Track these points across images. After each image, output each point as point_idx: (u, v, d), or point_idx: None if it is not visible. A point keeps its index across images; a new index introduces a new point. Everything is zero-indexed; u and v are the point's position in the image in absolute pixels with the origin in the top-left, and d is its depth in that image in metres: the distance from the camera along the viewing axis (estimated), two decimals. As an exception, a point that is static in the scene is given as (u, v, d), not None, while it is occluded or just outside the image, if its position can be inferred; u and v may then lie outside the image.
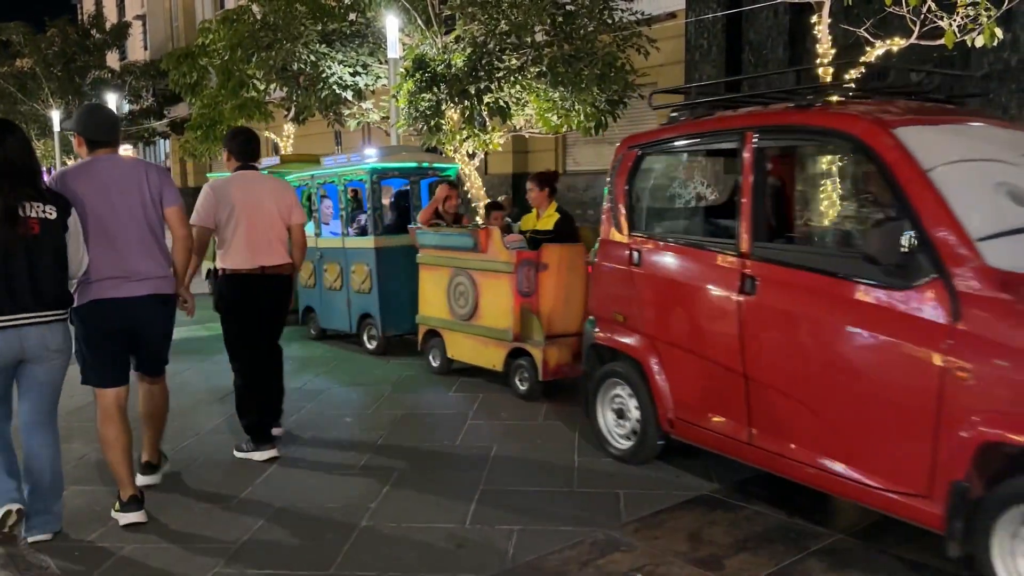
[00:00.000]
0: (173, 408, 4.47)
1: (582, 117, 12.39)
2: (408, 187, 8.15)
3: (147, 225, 3.88)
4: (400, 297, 7.35)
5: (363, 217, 7.82)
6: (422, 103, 11.64)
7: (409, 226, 7.34)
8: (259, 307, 4.75)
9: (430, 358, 6.87)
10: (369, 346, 7.71)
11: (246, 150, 4.87)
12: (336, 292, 8.03)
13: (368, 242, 7.56)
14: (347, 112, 14.30)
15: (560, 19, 12.07)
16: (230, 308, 4.76)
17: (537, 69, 11.78)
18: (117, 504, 3.90)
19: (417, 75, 11.59)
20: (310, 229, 7.77)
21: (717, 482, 4.17)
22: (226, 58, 15.48)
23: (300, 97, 13.84)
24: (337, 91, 13.51)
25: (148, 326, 3.95)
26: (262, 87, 15.10)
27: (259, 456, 4.72)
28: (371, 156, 8.01)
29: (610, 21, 12.40)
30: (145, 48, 37.34)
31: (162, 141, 31.64)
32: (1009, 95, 11.91)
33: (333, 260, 7.98)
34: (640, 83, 13.56)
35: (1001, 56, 11.67)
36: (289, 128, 17.53)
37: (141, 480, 4.21)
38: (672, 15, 16.52)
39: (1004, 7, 7.95)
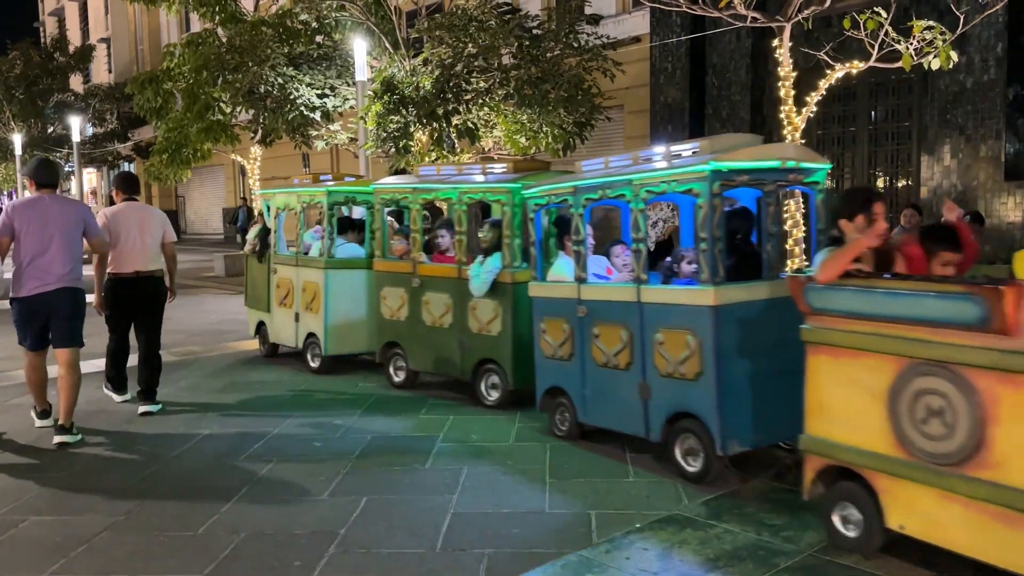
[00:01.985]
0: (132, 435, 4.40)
1: (550, 139, 12.52)
2: (762, 200, 4.93)
3: (69, 244, 5.45)
4: (762, 390, 4.46)
5: (687, 255, 4.96)
6: (391, 125, 11.69)
7: (787, 273, 4.65)
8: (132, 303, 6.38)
9: (839, 526, 3.62)
10: (689, 468, 4.57)
11: (130, 187, 6.65)
12: (619, 372, 4.92)
13: (699, 295, 4.46)
14: (314, 134, 14.29)
15: (527, 42, 12.21)
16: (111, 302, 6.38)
17: (505, 91, 11.89)
18: (33, 412, 5.91)
19: (385, 97, 11.64)
20: (567, 272, 5.39)
21: (688, 501, 4.19)
22: (191, 81, 15.39)
23: (267, 119, 13.80)
24: (305, 113, 13.51)
25: (59, 309, 5.44)
26: (228, 110, 15.02)
27: (117, 398, 6.61)
28: (695, 151, 4.69)
29: (576, 44, 12.57)
30: (109, 71, 37.01)
31: (127, 164, 31.28)
32: (965, 116, 12.24)
33: (615, 321, 4.93)
34: (607, 105, 13.75)
35: (957, 79, 12.00)
36: (256, 151, 17.43)
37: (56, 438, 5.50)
38: (637, 39, 16.76)
39: (958, 31, 8.19)
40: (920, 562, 3.39)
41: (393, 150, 12.18)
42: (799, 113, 9.18)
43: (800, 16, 8.79)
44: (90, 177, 37.21)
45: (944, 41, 8.02)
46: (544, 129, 12.34)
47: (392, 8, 12.97)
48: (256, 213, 11.67)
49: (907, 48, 8.06)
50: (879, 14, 8.02)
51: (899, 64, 8.14)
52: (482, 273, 5.97)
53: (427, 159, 12.62)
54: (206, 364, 8.23)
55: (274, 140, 14.55)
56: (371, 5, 13.45)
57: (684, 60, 15.79)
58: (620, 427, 5.02)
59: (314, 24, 13.91)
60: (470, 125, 12.04)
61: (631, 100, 17.30)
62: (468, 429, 5.67)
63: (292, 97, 13.22)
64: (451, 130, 11.95)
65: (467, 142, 12.67)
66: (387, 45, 13.12)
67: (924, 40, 8.07)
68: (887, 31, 8.13)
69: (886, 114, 13.77)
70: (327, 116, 13.77)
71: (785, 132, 9.28)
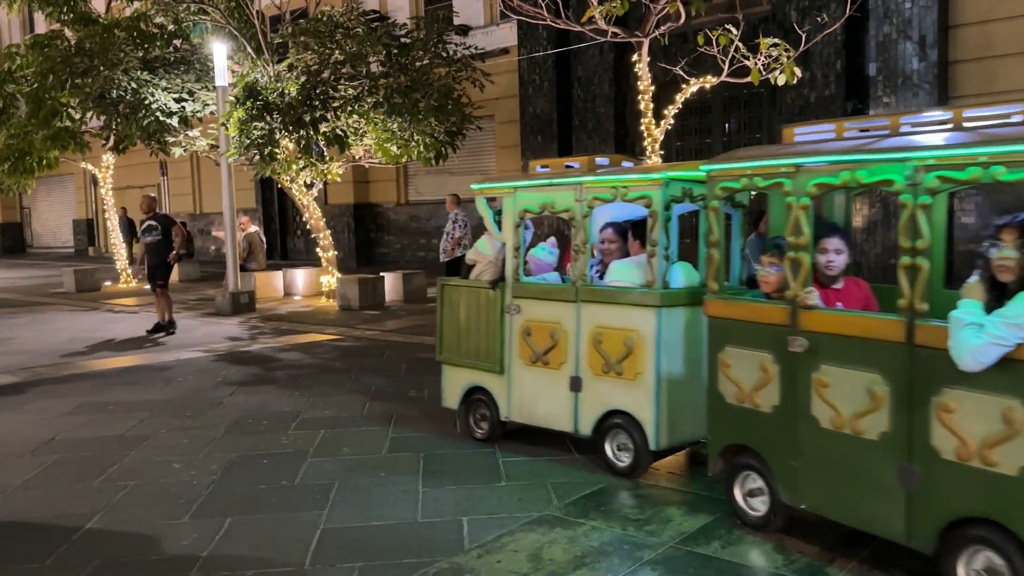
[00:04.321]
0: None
1: (422, 147, 12.53)
2: None
3: None
4: None
5: None
6: (254, 132, 11.34)
7: None
8: None
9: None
10: None
11: None
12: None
13: None
14: (172, 140, 13.68)
15: (395, 51, 12.17)
16: None
17: (374, 99, 11.80)
18: None
19: (248, 103, 11.29)
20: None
21: (557, 501, 4.27)
22: (36, 85, 14.40)
23: (120, 125, 13.09)
24: (161, 119, 12.91)
25: None
26: (77, 116, 14.15)
27: None
28: None
29: (444, 54, 12.63)
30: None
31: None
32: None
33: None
34: (478, 115, 13.88)
35: (802, 93, 12.84)
36: (108, 158, 16.50)
37: None
38: (505, 51, 17.02)
39: (801, 49, 8.78)
40: (779, 548, 3.59)
41: (257, 158, 11.83)
42: (658, 125, 9.58)
43: (657, 32, 9.19)
44: None
45: (788, 58, 8.59)
46: (415, 138, 12.33)
47: (254, 12, 12.61)
48: (144, 222, 10.65)
49: (755, 64, 8.59)
50: (730, 31, 8.50)
51: (749, 79, 8.65)
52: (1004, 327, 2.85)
53: (294, 167, 12.34)
54: (55, 385, 7.70)
55: (128, 147, 13.80)
56: (232, 9, 13.03)
57: (551, 72, 16.16)
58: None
59: (171, 27, 13.34)
60: (339, 133, 11.86)
61: (501, 110, 17.53)
62: (340, 443, 5.56)
63: (147, 102, 12.60)
64: (319, 138, 11.74)
65: (336, 150, 12.48)
66: (250, 50, 12.74)
67: (771, 56, 8.62)
68: (737, 47, 8.63)
69: (739, 126, 14.57)
70: (185, 122, 13.21)
71: (645, 144, 9.66)
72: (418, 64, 12.35)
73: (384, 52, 11.92)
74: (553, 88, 16.23)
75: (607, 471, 4.72)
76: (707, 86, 9.32)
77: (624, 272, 4.77)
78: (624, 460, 4.65)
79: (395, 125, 12.00)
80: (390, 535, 3.96)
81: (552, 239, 5.85)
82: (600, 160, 4.98)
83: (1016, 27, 11.58)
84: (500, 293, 5.21)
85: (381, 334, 10.33)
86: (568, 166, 5.12)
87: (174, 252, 10.70)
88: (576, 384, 4.82)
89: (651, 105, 9.66)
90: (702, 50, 8.73)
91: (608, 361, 4.62)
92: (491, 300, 5.26)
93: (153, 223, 10.59)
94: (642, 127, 9.81)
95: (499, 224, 5.33)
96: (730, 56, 8.70)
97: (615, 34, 9.20)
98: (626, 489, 4.44)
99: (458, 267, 12.17)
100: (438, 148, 12.69)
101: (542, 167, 5.29)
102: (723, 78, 8.95)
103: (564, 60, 15.86)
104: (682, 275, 4.65)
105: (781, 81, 8.64)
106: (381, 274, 13.41)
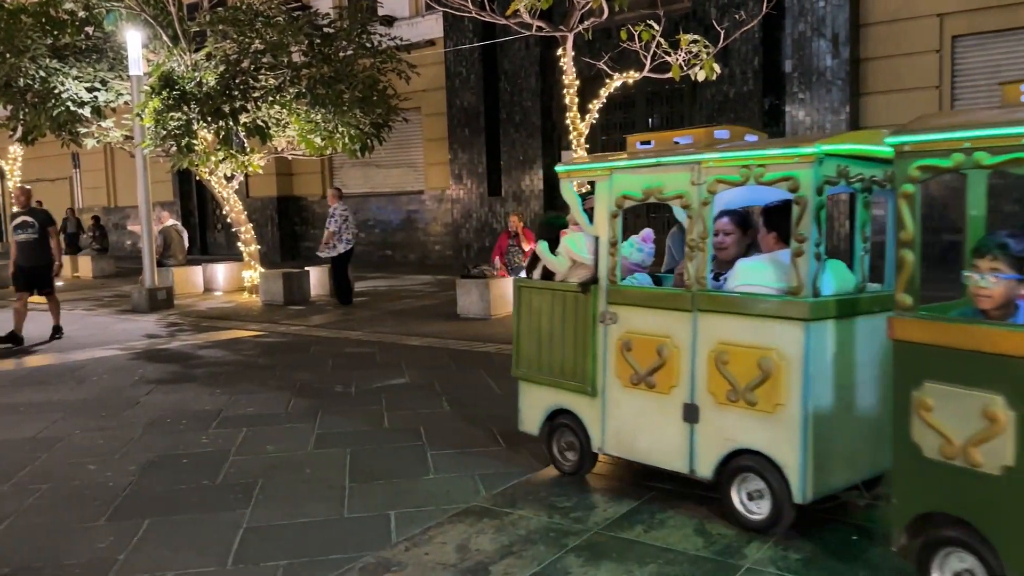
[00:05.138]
0: None
1: (347, 139, 12.36)
2: None
3: None
4: None
5: None
6: (170, 122, 11.01)
7: None
8: None
9: None
10: None
11: None
12: None
13: None
14: (84, 131, 13.16)
15: (318, 40, 11.97)
16: None
17: (296, 90, 11.59)
18: None
19: (164, 93, 10.96)
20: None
21: (485, 492, 4.30)
22: (-67, 71, 13.64)
23: (28, 116, 12.52)
24: (72, 108, 12.41)
25: None
26: (-20, 104, 13.45)
27: None
28: None
29: (369, 45, 12.49)
30: None
31: None
32: (729, 124, 13.40)
33: None
34: (404, 107, 13.78)
35: (721, 89, 13.16)
36: (16, 150, 15.76)
37: None
38: (431, 42, 16.93)
39: (720, 45, 9.00)
40: (700, 530, 3.69)
41: (174, 149, 11.49)
42: (583, 119, 9.69)
43: (581, 27, 9.29)
44: None
45: (708, 54, 8.80)
46: (340, 129, 12.16)
47: (170, 0, 12.20)
48: (17, 218, 9.45)
49: (676, 60, 8.77)
50: (652, 27, 8.65)
51: (670, 74, 8.83)
52: None
53: (213, 159, 12.02)
54: (-42, 388, 7.33)
55: (37, 138, 13.21)
56: (147, -5, 12.58)
57: (478, 65, 16.15)
58: None
59: (82, 14, 12.81)
60: (260, 123, 11.61)
61: (428, 103, 17.44)
62: (263, 440, 5.47)
63: (56, 91, 12.09)
64: (239, 128, 11.46)
65: (258, 141, 12.22)
66: (165, 39, 12.34)
67: (691, 53, 8.82)
68: (659, 43, 8.79)
69: (662, 121, 14.84)
70: (98, 112, 12.73)
71: (571, 137, 9.76)
72: (342, 55, 12.18)
73: (307, 42, 11.71)
74: (480, 81, 16.24)
75: (537, 462, 4.76)
76: (630, 81, 9.47)
77: (756, 273, 3.71)
78: (757, 512, 3.64)
79: (319, 116, 11.82)
80: (316, 532, 3.91)
81: (647, 231, 4.60)
82: (719, 133, 4.06)
83: (921, 26, 12.12)
84: (592, 298, 4.22)
85: (306, 329, 10.18)
86: (677, 142, 4.14)
87: (57, 263, 9.61)
88: (691, 413, 3.83)
89: (576, 99, 9.76)
90: (625, 46, 8.87)
91: (736, 387, 3.62)
92: (581, 306, 4.28)
93: (28, 219, 9.34)
94: (568, 121, 9.90)
95: (590, 215, 4.35)
96: (652, 52, 8.86)
97: (540, 28, 9.26)
98: (553, 478, 4.49)
99: (344, 262, 12.07)
100: (364, 140, 12.56)
101: (642, 143, 4.27)
102: (645, 73, 9.11)
103: (490, 53, 15.88)
104: (833, 278, 3.65)
105: (701, 77, 8.86)
106: (306, 268, 13.20)
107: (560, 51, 9.51)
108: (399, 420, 5.84)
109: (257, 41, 11.29)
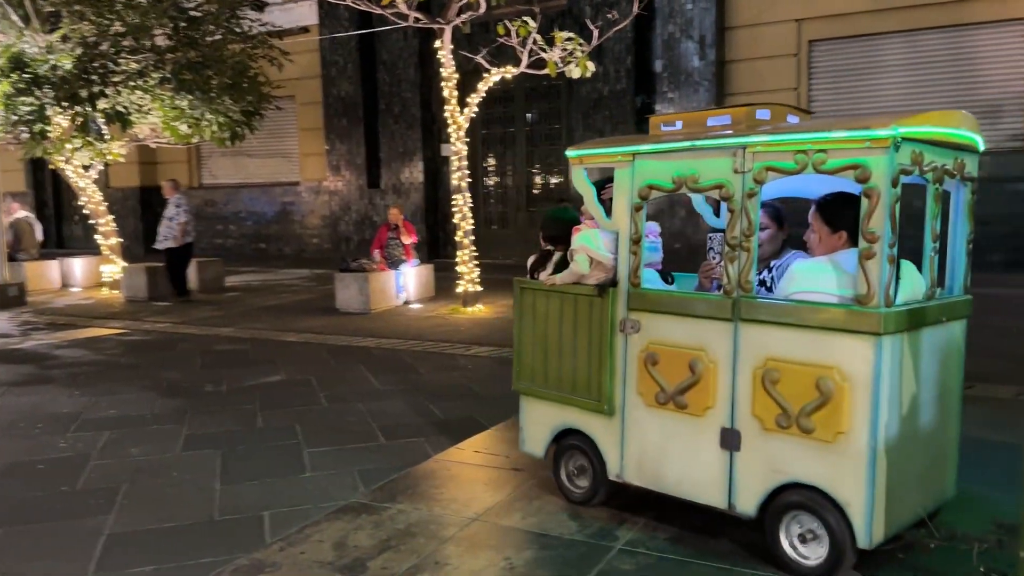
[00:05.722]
0: None
1: (215, 127, 11.89)
2: None
3: None
4: None
5: None
6: (21, 107, 10.30)
7: None
8: None
9: None
10: None
11: None
12: None
13: None
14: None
15: (184, 24, 11.45)
16: None
17: (160, 75, 11.06)
18: None
19: (14, 75, 10.24)
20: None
21: (364, 487, 4.26)
22: None
23: None
24: (-96, 90, 11.35)
25: None
26: None
27: None
28: None
29: (239, 30, 12.05)
30: None
31: None
32: (603, 121, 13.80)
33: None
34: (277, 95, 13.37)
35: (596, 86, 13.48)
36: None
37: None
38: (305, 29, 16.51)
39: (593, 44, 9.21)
40: (574, 515, 3.79)
41: (26, 136, 10.74)
42: (463, 113, 9.71)
43: (459, 20, 9.29)
44: None
45: (582, 52, 9.00)
46: (208, 117, 11.69)
47: (20, -24, 11.36)
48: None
49: (551, 57, 8.92)
50: (527, 23, 8.76)
51: (546, 71, 8.97)
52: None
53: (68, 147, 11.32)
54: None
55: None
56: (-7, -31, 11.68)
57: (355, 55, 15.88)
58: None
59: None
60: (120, 109, 11.01)
61: (303, 91, 17.00)
62: (127, 443, 5.21)
63: None
64: (98, 115, 10.83)
65: (118, 128, 11.58)
66: (15, 18, 11.49)
67: (566, 50, 8.98)
68: (536, 40, 8.91)
69: (540, 117, 15.05)
70: (-63, 95, 11.70)
71: (451, 131, 9.76)
72: (209, 39, 11.70)
73: (171, 25, 11.18)
74: (357, 70, 15.97)
75: (418, 455, 4.75)
76: (508, 76, 9.56)
77: (817, 277, 3.17)
78: (811, 559, 3.11)
79: (184, 103, 11.31)
80: (185, 536, 3.77)
81: (651, 225, 3.88)
82: (761, 113, 3.47)
83: (781, 31, 12.83)
84: (610, 303, 3.65)
85: (173, 326, 9.74)
86: (713, 124, 3.54)
87: None
88: (731, 440, 3.28)
89: (456, 93, 9.76)
90: (502, 41, 8.94)
91: (787, 411, 3.09)
92: (597, 312, 3.70)
93: None
94: (446, 114, 9.90)
95: (605, 207, 3.74)
96: (528, 48, 8.97)
97: (417, 19, 9.21)
98: (433, 470, 4.50)
99: (185, 255, 11.69)
100: (233, 128, 12.12)
101: (666, 125, 3.70)
102: (522, 69, 9.21)
103: (368, 42, 15.64)
104: (907, 284, 3.19)
105: (576, 74, 9.04)
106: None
107: (438, 43, 9.49)
108: (274, 419, 5.69)
109: (117, 23, 10.69)
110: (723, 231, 3.38)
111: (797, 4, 12.58)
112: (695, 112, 3.62)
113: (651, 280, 3.73)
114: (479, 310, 9.96)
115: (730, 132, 3.33)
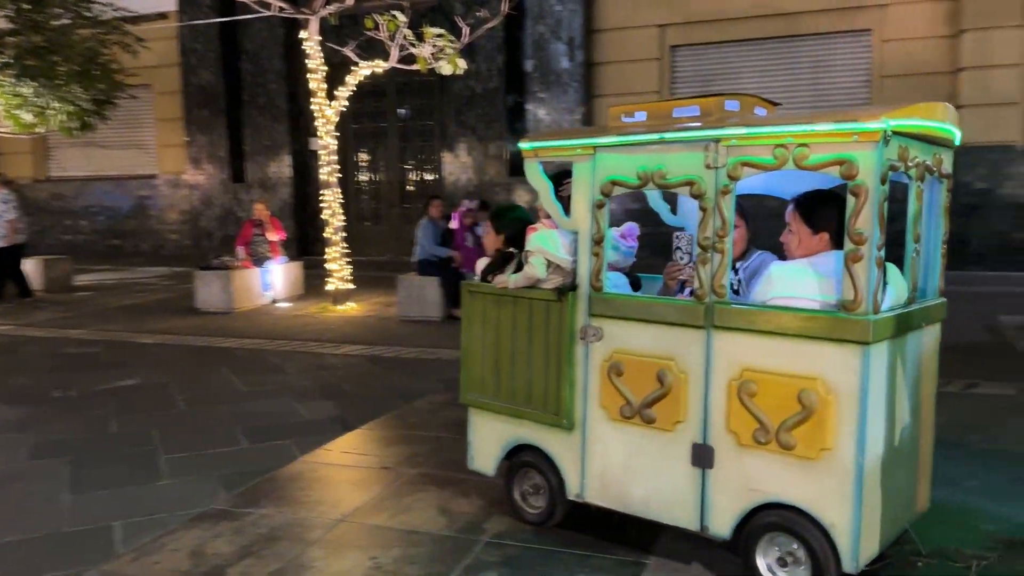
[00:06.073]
0: None
1: (63, 116, 11.15)
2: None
3: None
4: None
5: None
6: None
7: None
8: None
9: None
10: None
11: None
12: None
13: None
14: None
15: (27, 6, 10.68)
16: None
17: (1, 60, 10.26)
18: None
19: None
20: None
21: (225, 493, 4.12)
22: None
23: None
24: None
25: None
26: None
27: None
28: None
29: (88, 14, 11.36)
30: None
31: None
32: (476, 119, 13.88)
33: None
34: (132, 83, 12.67)
35: (468, 84, 13.54)
36: None
37: None
38: (163, 15, 15.73)
39: (464, 41, 9.24)
40: (444, 510, 3.81)
41: None
42: (331, 106, 9.52)
43: (326, 11, 9.11)
44: None
45: (453, 49, 9.00)
46: (54, 105, 10.96)
47: None
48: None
49: (421, 52, 8.88)
50: (396, 17, 8.69)
51: (416, 66, 8.93)
52: None
53: None
54: None
55: None
56: None
57: (216, 43, 15.26)
58: None
59: None
60: (-47, 96, 10.16)
61: (160, 80, 16.18)
62: (-40, 454, 4.82)
63: None
64: (-74, 100, 9.94)
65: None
66: None
67: (436, 47, 8.97)
68: (406, 35, 8.85)
69: (413, 113, 14.97)
70: None
71: (318, 124, 9.56)
72: (56, 23, 10.96)
73: (13, 7, 10.40)
74: (219, 60, 15.35)
75: (283, 458, 4.63)
76: (378, 71, 9.45)
77: (793, 281, 2.97)
78: None
79: (28, 90, 10.56)
80: (29, 550, 3.53)
81: (630, 226, 3.73)
82: (730, 104, 3.16)
83: (644, 35, 13.29)
84: (570, 309, 3.34)
85: (16, 328, 9.07)
86: (680, 115, 3.19)
87: None
88: (703, 457, 3.03)
89: (324, 85, 9.57)
90: (371, 34, 8.83)
91: (766, 425, 2.86)
92: (555, 319, 3.39)
93: None
94: (314, 107, 9.70)
95: (563, 204, 3.42)
96: (398, 43, 8.90)
97: (281, 8, 8.96)
98: (300, 472, 4.41)
99: (17, 254, 11.00)
100: (82, 117, 11.40)
101: (627, 116, 3.30)
102: (392, 64, 9.13)
103: (230, 31, 15.06)
104: (893, 289, 2.99)
105: (446, 71, 9.04)
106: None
107: (304, 34, 9.26)
108: (128, 424, 5.41)
109: (-51, 1, 9.85)
110: (683, 229, 3.17)
111: (660, 9, 13.06)
112: (659, 102, 3.29)
113: (615, 284, 3.50)
114: (350, 308, 9.80)
115: (699, 124, 3.05)
